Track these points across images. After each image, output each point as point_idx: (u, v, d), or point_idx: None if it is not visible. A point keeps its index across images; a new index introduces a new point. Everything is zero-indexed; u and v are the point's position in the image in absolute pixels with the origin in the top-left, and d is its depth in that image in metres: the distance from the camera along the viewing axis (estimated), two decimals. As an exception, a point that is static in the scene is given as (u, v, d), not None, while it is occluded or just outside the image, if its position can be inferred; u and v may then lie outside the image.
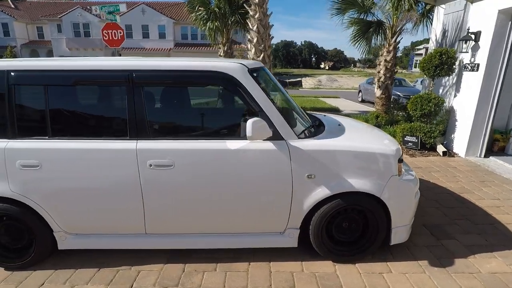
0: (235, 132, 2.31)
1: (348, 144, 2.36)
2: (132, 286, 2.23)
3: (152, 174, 2.24)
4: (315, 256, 2.52)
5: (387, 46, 8.05)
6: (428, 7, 7.47)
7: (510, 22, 4.36)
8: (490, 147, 5.07)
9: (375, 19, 7.91)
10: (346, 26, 8.17)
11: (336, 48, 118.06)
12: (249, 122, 2.08)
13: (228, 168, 2.27)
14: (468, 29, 4.77)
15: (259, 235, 2.50)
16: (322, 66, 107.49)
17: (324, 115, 3.43)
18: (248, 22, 6.54)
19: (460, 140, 5.13)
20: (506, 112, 5.08)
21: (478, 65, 4.66)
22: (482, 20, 4.58)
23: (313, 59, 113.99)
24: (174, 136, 2.30)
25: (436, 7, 6.84)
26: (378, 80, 8.29)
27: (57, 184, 2.26)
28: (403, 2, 7.16)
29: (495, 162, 4.77)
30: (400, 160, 2.42)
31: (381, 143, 2.49)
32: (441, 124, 5.34)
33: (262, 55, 6.42)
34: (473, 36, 4.68)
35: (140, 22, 26.84)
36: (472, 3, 4.84)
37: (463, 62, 5.06)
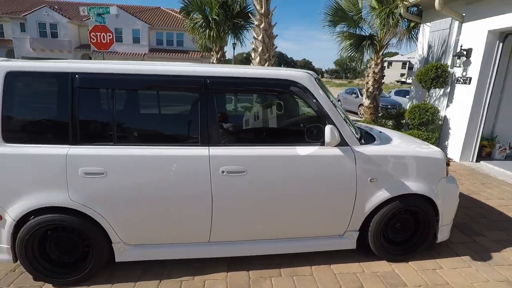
0: (303, 138, 2.37)
1: (405, 150, 2.54)
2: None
3: (224, 180, 2.23)
4: (369, 256, 2.64)
5: (375, 59, 8.59)
6: (412, 24, 8.12)
7: (497, 41, 4.95)
8: (479, 153, 5.62)
9: (367, 33, 8.42)
10: (340, 39, 8.59)
11: (304, 59, 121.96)
12: (328, 129, 2.18)
13: (297, 173, 2.32)
14: (461, 46, 5.30)
15: (318, 239, 2.57)
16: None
17: (355, 123, 3.61)
18: (253, 31, 6.66)
19: (454, 146, 5.63)
20: (492, 121, 5.69)
21: (470, 78, 5.20)
22: (474, 39, 5.13)
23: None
24: (245, 143, 2.32)
25: (422, 24, 7.50)
26: (367, 91, 8.78)
27: (122, 192, 2.16)
28: (390, 19, 7.73)
29: (486, 166, 5.30)
30: (447, 164, 2.65)
31: (429, 148, 2.71)
32: (436, 132, 5.82)
33: (266, 64, 6.56)
34: (465, 53, 5.22)
35: (113, 25, 25.78)
36: (463, 23, 5.40)
37: (455, 75, 5.59)
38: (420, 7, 7.26)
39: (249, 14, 9.12)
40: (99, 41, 8.86)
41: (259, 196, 2.31)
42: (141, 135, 2.24)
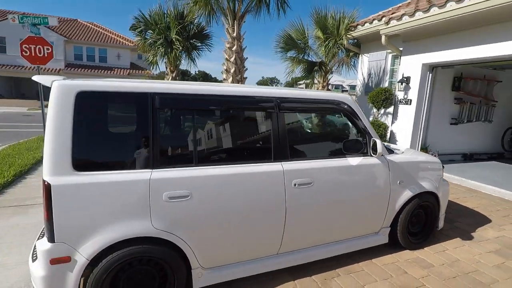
0: (356, 150, 2.72)
1: (419, 157, 3.16)
2: (288, 305, 2.27)
3: (296, 192, 2.41)
4: (394, 248, 3.11)
5: (322, 82, 9.73)
6: (351, 53, 9.54)
7: (428, 72, 6.36)
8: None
9: (313, 59, 9.50)
10: (291, 63, 9.45)
11: (216, 78, 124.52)
12: (378, 142, 2.61)
13: (350, 180, 2.67)
14: (403, 74, 6.59)
15: (360, 238, 2.92)
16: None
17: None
18: (224, 54, 6.87)
19: (401, 154, 6.84)
20: (424, 133, 7.12)
21: (411, 100, 6.48)
22: (411, 69, 6.46)
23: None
24: (309, 157, 2.56)
25: (361, 55, 8.92)
26: (316, 109, 9.81)
27: (204, 213, 2.13)
28: (335, 48, 8.96)
29: (425, 169, 6.59)
30: (443, 167, 3.37)
31: (430, 156, 3.39)
32: (385, 143, 6.96)
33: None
34: (405, 80, 6.51)
35: (19, 35, 22.32)
36: (401, 56, 6.74)
37: (398, 97, 6.87)
38: (359, 40, 8.65)
39: (207, 36, 9.32)
40: (33, 54, 7.78)
41: (321, 204, 2.55)
42: (219, 154, 2.26)
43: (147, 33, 8.90)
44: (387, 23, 6.48)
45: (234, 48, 6.73)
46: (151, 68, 10.15)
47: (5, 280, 2.48)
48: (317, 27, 8.96)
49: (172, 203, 2.03)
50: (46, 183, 1.78)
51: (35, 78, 2.04)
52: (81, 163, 1.86)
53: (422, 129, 6.60)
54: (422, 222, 3.25)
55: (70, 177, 1.82)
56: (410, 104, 6.49)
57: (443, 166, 3.36)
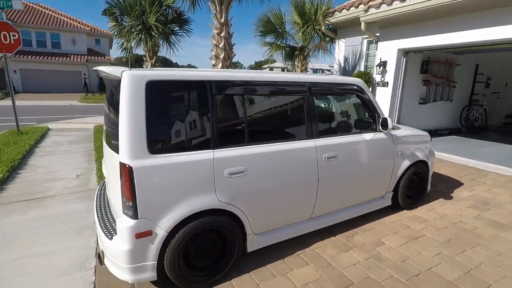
0: (367, 126, 3.17)
1: (414, 132, 3.70)
2: (328, 263, 2.69)
3: (325, 164, 2.80)
4: (395, 209, 3.67)
5: (300, 66, 10.14)
6: (327, 38, 10.01)
7: (402, 57, 7.03)
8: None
9: (290, 44, 9.83)
10: (271, 48, 9.70)
11: (190, 64, 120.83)
12: (389, 119, 3.07)
13: (365, 152, 3.13)
14: (381, 59, 7.20)
15: (370, 202, 3.42)
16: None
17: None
18: (213, 40, 6.92)
19: (379, 132, 7.57)
20: (398, 112, 7.88)
21: (388, 82, 7.14)
22: (388, 54, 7.08)
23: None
24: (333, 133, 2.95)
25: (337, 40, 9.43)
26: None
27: (257, 186, 2.44)
28: (313, 33, 9.35)
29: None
30: (431, 139, 3.96)
31: (421, 131, 3.95)
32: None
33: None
34: (383, 64, 7.13)
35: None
36: (378, 42, 7.33)
37: (376, 80, 7.50)
38: (335, 26, 9.13)
39: (186, 20, 9.20)
40: (-3, 41, 7.19)
41: (344, 174, 2.98)
42: (265, 134, 2.55)
43: (123, 18, 8.55)
44: (366, 10, 6.98)
45: (222, 34, 6.83)
46: (127, 53, 9.73)
47: (58, 265, 2.60)
48: (295, 12, 9.26)
49: (232, 178, 2.30)
50: (127, 166, 1.96)
51: (103, 68, 2.14)
52: (155, 147, 2.05)
53: (396, 109, 7.34)
54: (416, 187, 3.85)
55: (147, 159, 2.02)
56: (387, 86, 7.16)
57: (431, 139, 3.96)
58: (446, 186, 4.59)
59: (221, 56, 6.95)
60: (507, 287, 2.36)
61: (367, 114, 3.25)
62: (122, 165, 1.98)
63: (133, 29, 8.26)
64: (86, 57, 27.48)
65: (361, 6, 7.63)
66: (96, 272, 2.51)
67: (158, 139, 2.08)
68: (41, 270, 2.54)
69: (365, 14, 6.98)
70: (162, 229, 2.07)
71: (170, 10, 8.93)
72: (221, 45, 6.90)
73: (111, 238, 2.13)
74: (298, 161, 2.64)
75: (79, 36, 27.61)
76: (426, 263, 2.66)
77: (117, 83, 2.08)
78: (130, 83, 1.98)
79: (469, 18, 5.51)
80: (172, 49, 9.81)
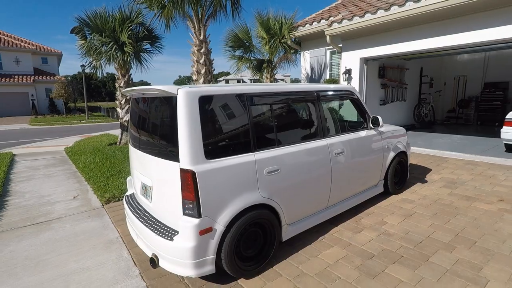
0: (360, 125, 3.74)
1: (396, 128, 4.37)
2: (348, 243, 3.13)
3: (335, 159, 3.28)
4: (385, 195, 4.28)
5: (269, 77, 10.75)
6: (292, 50, 10.79)
7: (364, 64, 7.96)
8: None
9: (262, 57, 10.42)
10: (239, 61, 10.17)
11: (142, 80, 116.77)
12: (380, 118, 3.66)
13: (363, 146, 3.68)
14: (346, 67, 8.05)
15: (367, 190, 3.97)
16: (116, 98, 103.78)
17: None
18: (193, 56, 7.15)
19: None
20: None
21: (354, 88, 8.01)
22: (351, 62, 7.96)
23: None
24: (338, 133, 3.45)
25: (302, 52, 10.23)
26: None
27: (287, 182, 2.82)
28: (280, 47, 10.06)
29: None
30: (406, 133, 4.68)
31: (399, 126, 4.65)
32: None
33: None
34: (348, 71, 7.99)
35: None
36: (341, 52, 8.20)
37: (343, 86, 8.33)
38: (299, 39, 9.93)
39: (156, 37, 9.30)
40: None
41: (350, 166, 3.49)
42: (289, 136, 2.94)
43: (92, 36, 8.37)
44: (329, 25, 7.81)
45: (202, 50, 7.11)
46: (95, 72, 9.45)
47: (104, 278, 2.69)
48: (261, 28, 9.89)
49: (270, 176, 2.66)
50: (190, 171, 2.22)
51: (160, 87, 2.36)
52: (209, 153, 2.34)
53: (364, 110, 8.23)
54: (399, 174, 4.51)
55: (205, 164, 2.29)
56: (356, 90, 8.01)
57: (406, 133, 4.69)
58: (419, 173, 5.38)
59: (202, 71, 7.22)
60: (488, 241, 3.00)
61: (358, 114, 3.83)
62: (184, 171, 2.23)
63: (103, 47, 8.14)
64: (32, 77, 25.54)
65: (323, 21, 8.51)
66: (144, 278, 2.65)
67: (212, 145, 2.37)
68: (90, 283, 2.61)
69: (329, 28, 7.80)
70: (220, 225, 2.34)
71: (140, 28, 8.97)
72: (201, 61, 7.18)
73: (171, 239, 2.33)
74: (316, 158, 3.08)
75: (23, 55, 25.64)
76: (424, 232, 3.24)
77: (168, 100, 2.34)
78: (187, 99, 2.26)
79: (415, 30, 6.54)
80: (143, 66, 9.77)
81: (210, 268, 2.37)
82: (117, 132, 13.85)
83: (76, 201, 4.65)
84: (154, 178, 2.64)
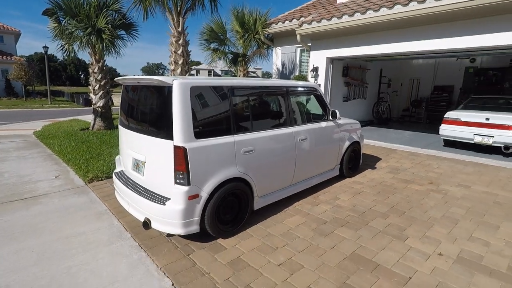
0: (321, 117, 4.43)
1: (351, 120, 5.13)
2: (307, 213, 3.81)
3: (299, 144, 3.93)
4: (340, 178, 5.05)
5: (242, 70, 11.23)
6: (265, 46, 11.32)
7: (330, 63, 8.74)
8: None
9: (232, 50, 10.84)
10: (214, 54, 10.52)
11: (107, 65, 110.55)
12: (337, 111, 4.36)
13: (322, 135, 4.37)
14: (313, 65, 8.77)
15: (325, 173, 4.70)
16: (90, 84, 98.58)
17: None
18: (171, 47, 7.41)
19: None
20: (328, 108, 9.66)
21: (320, 84, 8.76)
22: (319, 61, 8.69)
23: (82, 76, 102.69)
24: (302, 122, 4.09)
25: (274, 48, 10.83)
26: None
27: (259, 161, 3.41)
28: (253, 42, 10.55)
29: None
30: (361, 126, 5.47)
31: (354, 120, 5.42)
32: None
33: (187, 75, 7.54)
34: (315, 69, 8.73)
35: None
36: (310, 51, 8.90)
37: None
38: (272, 35, 10.50)
39: (131, 25, 9.37)
40: None
41: (311, 151, 4.16)
42: (262, 124, 3.52)
43: (64, 19, 8.26)
44: (300, 25, 8.47)
45: (180, 42, 7.41)
46: (68, 55, 9.29)
47: (100, 240, 3.12)
48: (236, 22, 10.30)
49: (245, 155, 3.23)
50: (182, 147, 2.72)
51: (157, 78, 2.80)
52: (198, 133, 2.85)
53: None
54: (353, 161, 5.30)
55: (194, 142, 2.81)
56: (320, 87, 8.79)
57: (361, 126, 5.49)
58: (371, 161, 6.26)
59: (180, 61, 7.54)
60: (414, 212, 3.84)
61: (320, 108, 4.52)
62: (177, 147, 2.73)
63: (77, 32, 8.09)
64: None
65: (294, 20, 9.16)
66: (136, 239, 3.12)
67: (199, 127, 2.88)
68: (88, 243, 3.03)
69: (300, 28, 8.46)
70: (205, 193, 2.88)
71: (116, 14, 8.98)
72: (179, 52, 7.49)
73: (164, 204, 2.83)
74: (283, 142, 3.71)
75: (-24, 31, 23.53)
76: (368, 205, 4.02)
77: (163, 88, 2.81)
78: (180, 88, 2.74)
79: (376, 36, 7.40)
80: (118, 53, 9.78)
81: (195, 228, 2.91)
82: (86, 117, 13.60)
83: (58, 180, 4.90)
84: (147, 154, 3.09)
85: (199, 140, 2.84)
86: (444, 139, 7.67)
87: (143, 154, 3.13)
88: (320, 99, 4.45)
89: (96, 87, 9.18)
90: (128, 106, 3.49)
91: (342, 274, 2.57)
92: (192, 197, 2.81)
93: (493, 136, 6.57)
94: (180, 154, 2.73)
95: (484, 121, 6.70)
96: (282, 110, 3.82)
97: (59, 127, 9.93)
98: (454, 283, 2.48)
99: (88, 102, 23.98)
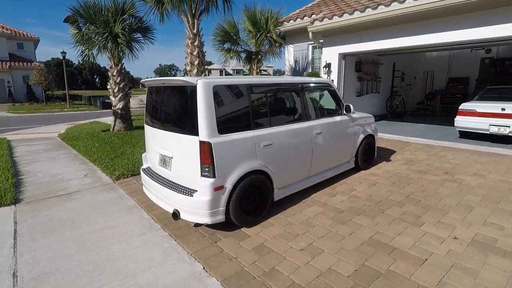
0: (335, 112, 4.57)
1: (365, 114, 5.24)
2: (325, 203, 3.97)
3: (315, 138, 4.09)
4: (356, 170, 5.17)
5: (255, 68, 11.42)
6: (277, 44, 11.47)
7: (342, 59, 8.82)
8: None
9: (249, 50, 11.04)
10: (227, 53, 10.74)
11: (125, 69, 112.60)
12: (351, 106, 4.49)
13: (338, 128, 4.52)
14: (326, 61, 8.87)
15: (342, 165, 4.84)
16: (108, 86, 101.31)
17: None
18: (187, 49, 7.68)
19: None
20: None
21: (333, 80, 8.86)
22: (331, 57, 8.78)
23: (97, 80, 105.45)
24: (318, 117, 4.25)
25: (286, 46, 10.96)
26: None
27: (278, 154, 3.60)
28: (265, 40, 10.72)
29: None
30: (375, 120, 5.57)
31: (368, 113, 5.53)
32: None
33: (202, 75, 7.79)
34: (328, 65, 8.82)
35: None
36: (322, 47, 9.00)
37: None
38: (284, 33, 10.64)
39: (147, 28, 9.70)
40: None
41: (327, 144, 4.32)
42: (280, 119, 3.70)
43: (84, 26, 8.67)
44: (312, 22, 8.57)
45: (195, 43, 7.67)
46: (88, 60, 9.72)
47: (132, 230, 3.38)
48: (248, 22, 10.49)
49: (265, 149, 3.42)
50: (207, 142, 2.93)
51: (182, 78, 3.03)
52: (221, 129, 3.05)
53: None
54: (368, 153, 5.41)
55: (218, 138, 3.02)
56: (333, 83, 8.88)
57: (375, 120, 5.58)
58: (386, 154, 6.34)
59: (196, 62, 7.80)
60: (428, 200, 3.94)
61: (334, 103, 4.65)
62: (203, 142, 2.94)
63: (96, 37, 8.48)
64: (8, 63, 24.71)
65: (306, 18, 9.26)
66: (166, 229, 3.36)
67: (222, 124, 3.08)
68: (122, 233, 3.30)
69: (312, 26, 8.57)
70: (229, 184, 3.09)
71: (133, 19, 9.33)
72: (195, 53, 7.75)
73: (192, 195, 3.06)
74: (300, 136, 3.88)
75: (-3, 40, 24.65)
76: (383, 195, 4.14)
77: (187, 88, 3.04)
78: (204, 87, 2.95)
79: (388, 30, 7.44)
80: (135, 56, 10.14)
81: (221, 217, 3.13)
82: (105, 119, 14.12)
83: (88, 179, 5.23)
84: (174, 150, 3.33)
85: (222, 135, 3.05)
86: (459, 131, 7.64)
87: (170, 150, 3.37)
88: (334, 94, 4.59)
89: (116, 90, 9.57)
90: (154, 106, 3.74)
91: (361, 257, 2.73)
92: (218, 188, 3.02)
93: (510, 126, 6.52)
94: (206, 149, 2.94)
95: (500, 111, 6.65)
96: (298, 105, 3.98)
97: (81, 130, 10.40)
98: (469, 263, 2.61)
99: (105, 105, 24.75)
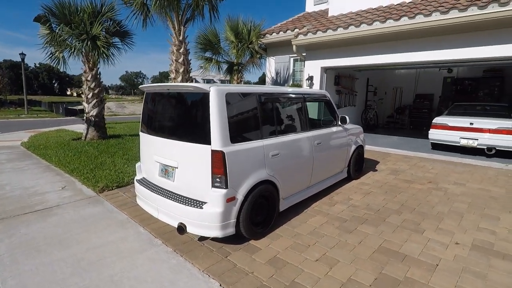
0: (332, 122, 4.67)
1: (357, 126, 5.42)
2: (327, 213, 3.99)
3: (316, 148, 4.13)
4: (348, 180, 5.29)
5: (236, 79, 11.43)
6: (258, 55, 11.61)
7: (324, 73, 9.13)
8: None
9: (230, 60, 11.04)
10: (211, 63, 10.66)
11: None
12: (347, 117, 4.62)
13: (333, 139, 4.61)
14: (309, 74, 9.11)
15: (336, 175, 4.92)
16: (68, 92, 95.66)
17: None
18: (172, 56, 7.46)
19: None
20: (321, 115, 10.03)
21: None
22: (313, 70, 9.05)
23: (56, 85, 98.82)
24: (317, 127, 4.31)
25: (267, 57, 11.13)
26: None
27: (284, 164, 3.57)
28: (247, 51, 10.81)
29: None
30: (363, 131, 5.77)
31: (358, 125, 5.72)
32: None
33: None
34: (310, 78, 9.07)
35: None
36: (305, 61, 9.25)
37: (305, 90, 9.39)
38: (265, 45, 10.81)
39: (127, 33, 9.34)
40: None
41: (325, 154, 4.38)
42: (285, 128, 3.69)
43: (58, 26, 8.11)
44: (296, 36, 8.81)
45: (181, 50, 7.50)
46: (56, 64, 9.05)
47: (132, 247, 3.12)
48: (231, 32, 10.53)
49: (273, 159, 3.37)
50: (220, 151, 2.82)
51: (194, 85, 2.89)
52: (233, 138, 2.96)
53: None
54: (358, 163, 5.57)
55: (231, 147, 2.92)
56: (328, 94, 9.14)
57: (363, 131, 5.80)
58: (371, 164, 6.58)
59: (181, 70, 7.60)
60: (422, 208, 4.12)
61: (330, 114, 4.77)
62: (215, 152, 2.82)
63: (70, 39, 7.95)
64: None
65: (288, 31, 9.51)
66: (168, 245, 3.15)
67: (234, 132, 2.99)
68: (120, 251, 3.03)
69: (296, 39, 8.80)
70: (240, 195, 2.98)
71: (110, 22, 8.93)
72: (180, 60, 7.56)
73: (201, 207, 2.90)
74: (303, 146, 3.89)
75: None
76: (380, 204, 4.26)
77: (199, 95, 2.93)
78: (218, 94, 2.86)
79: (368, 47, 7.87)
80: (111, 62, 9.67)
81: (231, 230, 2.99)
82: (72, 127, 13.20)
83: (66, 191, 4.78)
84: (180, 159, 3.15)
85: (234, 144, 2.96)
86: (431, 143, 8.18)
87: (175, 160, 3.19)
88: (329, 105, 4.70)
89: (90, 96, 9.00)
90: (154, 113, 3.55)
91: (377, 265, 2.75)
92: (230, 199, 2.90)
93: (477, 139, 7.11)
94: (218, 158, 2.83)
95: (468, 125, 7.25)
96: (301, 115, 4.01)
97: (47, 138, 9.59)
98: (476, 267, 2.73)
99: (69, 112, 23.20)
